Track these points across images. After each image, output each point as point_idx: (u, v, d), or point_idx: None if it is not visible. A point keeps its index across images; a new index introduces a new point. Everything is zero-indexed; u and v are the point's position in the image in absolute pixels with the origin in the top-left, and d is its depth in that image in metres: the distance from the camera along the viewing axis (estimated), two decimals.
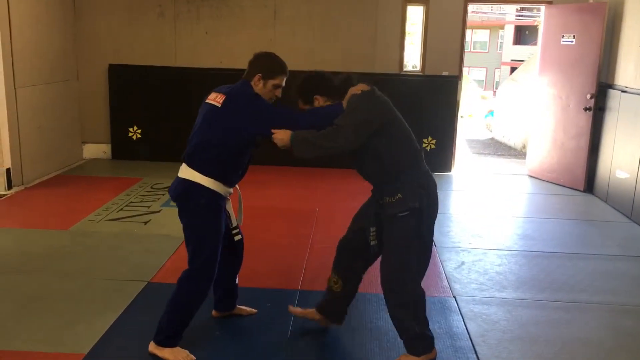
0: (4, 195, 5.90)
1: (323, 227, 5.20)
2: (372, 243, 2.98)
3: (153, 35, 7.39)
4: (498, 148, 11.04)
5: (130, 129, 7.55)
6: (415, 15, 7.62)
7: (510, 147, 11.00)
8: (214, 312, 3.49)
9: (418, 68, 7.54)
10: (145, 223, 5.16)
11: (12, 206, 5.69)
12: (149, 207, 5.63)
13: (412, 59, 8.30)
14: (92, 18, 7.35)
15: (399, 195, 2.85)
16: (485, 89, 31.21)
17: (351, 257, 3.16)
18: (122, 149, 7.62)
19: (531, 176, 7.53)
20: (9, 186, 6.01)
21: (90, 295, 3.78)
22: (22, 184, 6.16)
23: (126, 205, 5.64)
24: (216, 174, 2.95)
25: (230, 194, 3.11)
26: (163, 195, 5.96)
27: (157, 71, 7.42)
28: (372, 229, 2.97)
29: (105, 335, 3.27)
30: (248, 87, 2.99)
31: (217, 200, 2.99)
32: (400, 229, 2.87)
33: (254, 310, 3.57)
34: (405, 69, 7.53)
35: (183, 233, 3.04)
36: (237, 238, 3.25)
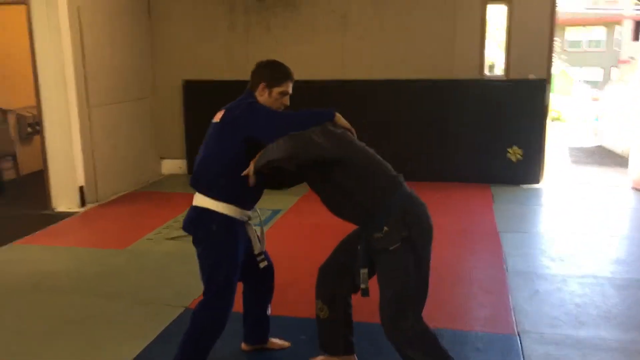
0: (77, 212, 6.05)
1: None
2: (362, 287, 2.63)
3: (224, 48, 7.35)
4: (603, 156, 10.04)
5: None
6: (497, 15, 7.05)
7: (617, 155, 9.97)
8: (243, 345, 3.24)
9: (499, 72, 6.96)
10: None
11: (80, 223, 5.81)
12: None
13: (495, 63, 7.68)
14: (166, 34, 7.44)
15: (386, 228, 2.53)
16: (601, 90, 29.09)
17: (335, 282, 2.84)
18: None
19: (635, 189, 6.68)
20: (82, 203, 6.16)
21: (126, 319, 3.68)
22: (97, 201, 6.30)
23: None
24: (225, 196, 2.71)
25: (248, 217, 2.86)
26: None
27: (229, 85, 7.33)
28: (362, 271, 2.62)
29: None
30: (249, 97, 2.76)
31: (230, 225, 2.74)
32: (395, 262, 2.55)
33: (287, 344, 3.29)
34: (486, 73, 6.96)
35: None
36: (262, 265, 2.98)
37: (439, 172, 6.99)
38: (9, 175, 7.46)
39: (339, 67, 7.09)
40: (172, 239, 5.15)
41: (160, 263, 4.61)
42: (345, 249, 2.81)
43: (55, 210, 6.08)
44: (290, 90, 2.81)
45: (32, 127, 7.52)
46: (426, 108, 6.96)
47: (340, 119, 2.72)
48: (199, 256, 2.80)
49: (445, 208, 5.99)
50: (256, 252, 2.94)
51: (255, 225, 2.94)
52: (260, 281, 3.09)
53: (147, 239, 5.20)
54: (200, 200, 2.75)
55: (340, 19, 7.03)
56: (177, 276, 4.33)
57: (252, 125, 2.63)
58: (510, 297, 3.89)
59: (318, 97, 7.08)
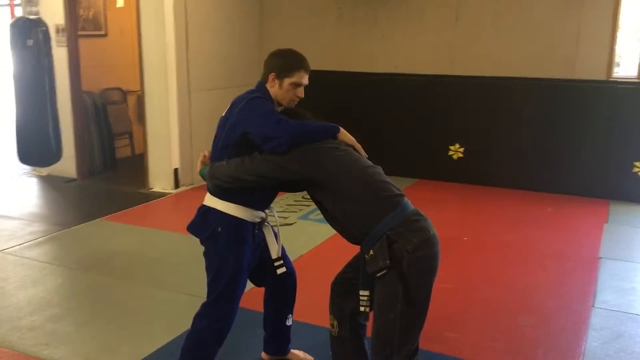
0: (169, 193, 6.23)
1: (458, 263, 4.38)
2: (361, 309, 2.32)
3: (331, 40, 7.16)
4: None
5: None
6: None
7: None
8: (263, 355, 3.06)
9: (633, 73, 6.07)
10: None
11: (169, 205, 5.97)
12: (286, 217, 5.40)
13: (626, 62, 6.73)
14: (275, 25, 7.41)
15: (371, 252, 2.20)
16: None
17: (341, 299, 2.53)
18: None
19: None
20: (176, 185, 6.34)
21: (163, 309, 3.66)
22: (192, 184, 6.44)
23: None
24: (232, 195, 2.52)
25: (262, 218, 2.65)
26: (308, 206, 5.68)
27: (335, 76, 7.18)
28: (362, 293, 2.29)
29: (146, 357, 3.08)
30: (257, 91, 2.55)
31: (238, 227, 2.56)
32: (383, 293, 2.23)
33: (310, 358, 3.05)
34: (615, 74, 6.10)
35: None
36: (279, 271, 2.76)
37: (554, 183, 6.28)
38: (125, 152, 7.90)
39: (447, 63, 6.62)
40: None
41: None
42: (352, 264, 2.52)
43: (150, 190, 6.32)
44: (304, 82, 2.55)
45: None
46: (542, 111, 6.27)
47: (344, 135, 2.44)
48: (204, 257, 2.65)
49: (548, 224, 5.36)
50: (274, 256, 2.74)
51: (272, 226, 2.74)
52: (279, 289, 2.88)
53: None
54: (208, 199, 2.60)
55: (451, 13, 6.53)
56: None
57: (246, 122, 2.42)
58: (585, 338, 3.32)
59: (425, 92, 6.70)
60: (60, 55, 6.56)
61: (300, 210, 5.61)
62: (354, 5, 7.01)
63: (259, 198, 2.60)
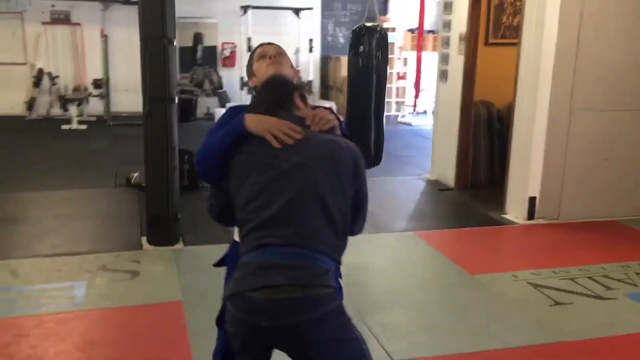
0: (518, 224, 5.40)
1: None
2: None
3: None
4: None
5: None
6: None
7: None
8: None
9: None
10: (556, 305, 3.75)
11: (503, 237, 5.25)
12: (606, 288, 3.98)
13: None
14: None
15: None
16: None
17: None
18: None
19: None
20: (530, 216, 5.43)
21: None
22: (556, 218, 5.40)
23: (589, 278, 4.15)
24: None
25: None
26: None
27: None
28: None
29: None
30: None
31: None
32: None
33: None
34: None
35: None
36: None
37: None
38: None
39: None
40: (542, 286, 4.02)
41: (485, 308, 3.75)
42: None
43: (502, 216, 5.60)
44: (267, 53, 2.22)
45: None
46: None
47: (253, 126, 1.93)
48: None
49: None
50: None
51: None
52: None
53: (532, 273, 4.23)
54: None
55: None
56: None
57: None
58: None
59: None
60: (457, 64, 6.50)
61: (635, 285, 4.04)
62: None
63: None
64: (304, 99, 2.09)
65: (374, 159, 4.94)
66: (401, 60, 12.18)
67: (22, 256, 4.35)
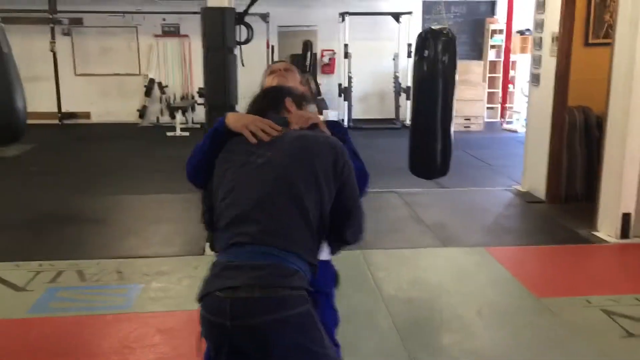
0: (610, 242, 4.87)
1: None
2: None
3: None
4: None
5: None
6: None
7: None
8: None
9: None
10: (628, 336, 3.29)
11: (591, 256, 4.75)
12: None
13: None
14: None
15: None
16: None
17: None
18: None
19: None
20: (624, 235, 4.88)
21: None
22: None
23: None
24: None
25: None
26: None
27: None
28: None
29: None
30: None
31: None
32: None
33: None
34: None
35: None
36: None
37: None
38: None
39: None
40: (615, 314, 3.57)
41: (545, 336, 3.39)
42: None
43: (592, 233, 5.08)
44: (279, 68, 2.44)
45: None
46: None
47: (234, 123, 1.93)
48: None
49: None
50: None
51: None
52: None
53: (609, 298, 3.79)
54: None
55: None
56: None
57: None
58: None
59: None
60: (549, 66, 6.02)
61: None
62: None
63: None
64: (299, 106, 2.04)
65: (441, 168, 4.67)
66: (509, 64, 11.56)
67: (93, 257, 4.59)
